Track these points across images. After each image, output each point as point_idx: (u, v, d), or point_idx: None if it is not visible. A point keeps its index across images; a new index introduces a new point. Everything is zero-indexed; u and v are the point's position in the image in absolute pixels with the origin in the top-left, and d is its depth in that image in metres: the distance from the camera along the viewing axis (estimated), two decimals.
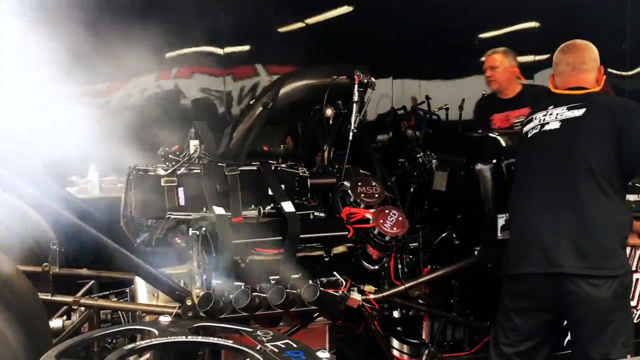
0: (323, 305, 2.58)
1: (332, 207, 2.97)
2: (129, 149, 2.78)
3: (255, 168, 2.91)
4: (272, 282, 2.54)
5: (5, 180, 2.26)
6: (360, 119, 3.09)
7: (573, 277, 2.52)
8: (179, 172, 2.80)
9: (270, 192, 2.81)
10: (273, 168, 2.93)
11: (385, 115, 4.76)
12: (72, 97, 2.44)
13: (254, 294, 2.45)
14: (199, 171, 2.83)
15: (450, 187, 3.24)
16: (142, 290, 2.74)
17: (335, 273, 2.72)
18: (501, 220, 3.01)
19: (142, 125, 3.11)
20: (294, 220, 2.64)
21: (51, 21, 2.30)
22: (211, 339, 1.74)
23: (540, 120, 2.78)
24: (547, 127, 2.72)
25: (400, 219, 2.78)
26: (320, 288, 2.52)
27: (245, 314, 2.47)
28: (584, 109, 2.64)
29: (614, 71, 5.94)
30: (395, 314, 3.25)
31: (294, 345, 1.68)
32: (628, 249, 2.92)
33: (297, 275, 2.58)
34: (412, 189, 3.40)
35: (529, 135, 2.80)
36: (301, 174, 2.97)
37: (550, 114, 2.75)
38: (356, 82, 3.05)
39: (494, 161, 3.08)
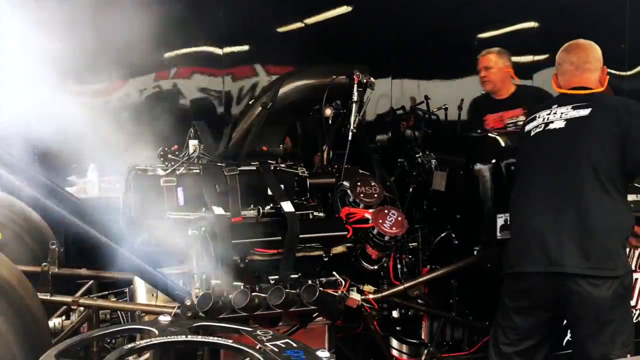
0: (322, 305, 2.58)
1: (331, 207, 2.97)
2: (128, 149, 2.78)
3: (255, 168, 2.91)
4: (272, 282, 2.54)
5: (5, 180, 2.25)
6: (360, 119, 3.09)
7: (575, 277, 2.52)
8: (178, 172, 2.80)
9: (269, 192, 2.80)
10: (272, 168, 2.92)
11: (385, 115, 4.75)
12: (71, 96, 2.43)
13: (253, 294, 2.44)
14: (198, 171, 2.83)
15: (450, 187, 3.24)
16: (142, 290, 2.73)
17: (334, 273, 2.71)
18: (500, 220, 3.01)
19: (141, 125, 3.10)
20: (293, 220, 2.63)
21: (51, 21, 2.29)
22: (211, 339, 1.74)
23: (544, 119, 2.76)
24: (551, 126, 2.71)
25: (399, 219, 2.78)
26: (320, 288, 2.52)
27: (245, 314, 2.47)
28: (589, 109, 2.63)
29: (612, 71, 5.94)
30: (395, 313, 3.25)
31: (294, 345, 1.68)
32: (628, 249, 2.92)
33: (296, 275, 2.58)
34: (411, 189, 3.40)
35: (531, 134, 2.79)
36: (300, 174, 2.97)
37: (555, 113, 2.74)
38: (355, 82, 3.05)
39: (493, 161, 3.08)
